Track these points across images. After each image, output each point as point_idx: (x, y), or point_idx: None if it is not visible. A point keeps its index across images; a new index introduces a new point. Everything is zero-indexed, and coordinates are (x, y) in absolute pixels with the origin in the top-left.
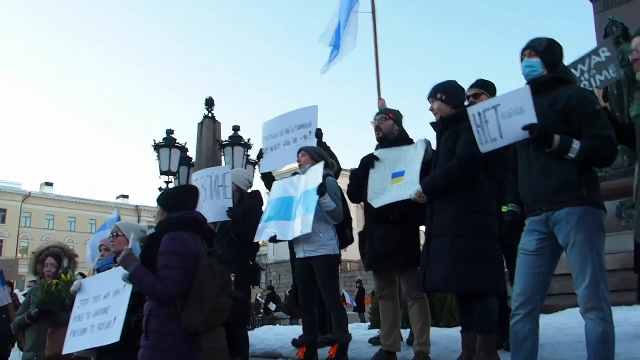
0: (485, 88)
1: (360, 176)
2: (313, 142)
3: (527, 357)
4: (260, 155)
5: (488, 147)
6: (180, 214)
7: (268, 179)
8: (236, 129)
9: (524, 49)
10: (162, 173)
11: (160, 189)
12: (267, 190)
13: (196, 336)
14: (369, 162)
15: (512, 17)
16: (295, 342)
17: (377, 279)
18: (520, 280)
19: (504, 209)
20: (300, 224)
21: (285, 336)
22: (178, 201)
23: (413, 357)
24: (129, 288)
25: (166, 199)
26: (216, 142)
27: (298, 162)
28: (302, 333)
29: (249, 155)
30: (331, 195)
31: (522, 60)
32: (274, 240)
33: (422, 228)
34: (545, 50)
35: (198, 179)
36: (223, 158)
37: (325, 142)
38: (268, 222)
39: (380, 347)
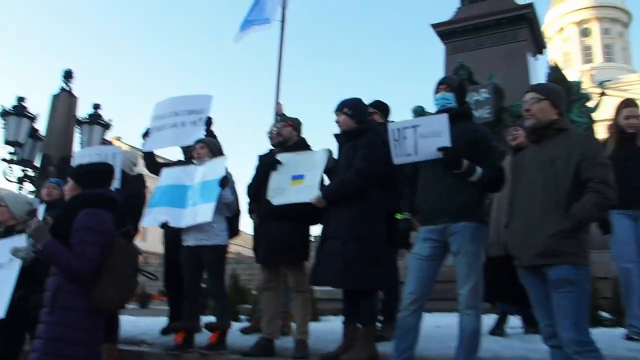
0: (379, 109)
1: (257, 180)
2: (201, 129)
3: (409, 346)
4: (146, 134)
5: (401, 160)
6: (97, 190)
7: (150, 159)
8: (96, 106)
9: (440, 83)
10: (7, 143)
11: (4, 159)
12: (147, 170)
13: (103, 314)
14: (271, 164)
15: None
16: (174, 327)
17: (264, 272)
18: (412, 281)
19: (398, 216)
20: (199, 212)
21: (144, 324)
22: (94, 177)
23: (293, 345)
24: (16, 262)
25: (82, 174)
26: (72, 118)
27: (196, 152)
28: (152, 322)
29: (105, 140)
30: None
31: (437, 92)
32: (164, 226)
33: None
34: (457, 87)
35: (85, 156)
36: (80, 136)
37: (212, 131)
38: (157, 207)
39: (261, 335)
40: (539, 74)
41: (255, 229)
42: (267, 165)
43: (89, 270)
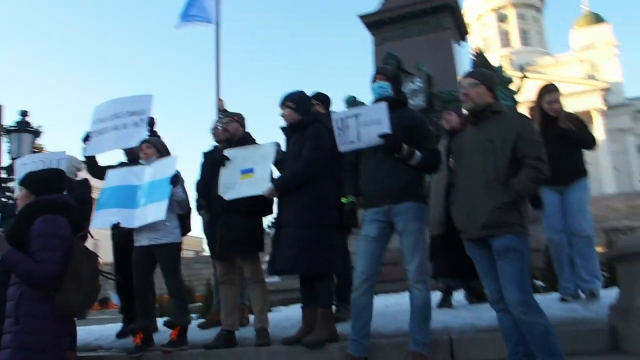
0: (320, 100)
1: (207, 176)
2: (143, 130)
3: (364, 323)
4: (86, 138)
5: (346, 148)
6: (51, 197)
7: (91, 163)
8: (24, 113)
9: (377, 73)
10: None
11: None
12: (90, 175)
13: (67, 318)
14: (220, 161)
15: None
16: (131, 329)
17: (220, 266)
18: (362, 261)
19: (344, 200)
20: (151, 211)
21: (95, 330)
22: (47, 184)
23: (253, 334)
24: None
25: (34, 181)
26: (0, 127)
27: (143, 152)
28: (104, 328)
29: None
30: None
31: (374, 81)
32: (116, 227)
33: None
34: (393, 77)
35: (27, 163)
36: (8, 144)
37: (156, 131)
38: (106, 209)
39: (222, 327)
40: (463, 60)
41: (207, 225)
42: (215, 162)
43: (52, 276)
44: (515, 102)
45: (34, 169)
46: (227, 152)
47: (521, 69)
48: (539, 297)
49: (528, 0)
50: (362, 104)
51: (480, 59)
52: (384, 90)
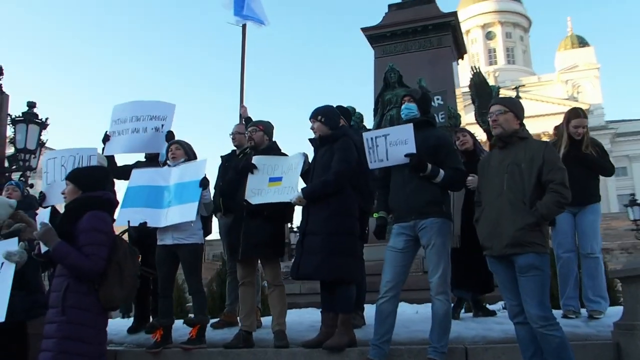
0: (342, 114)
1: (238, 179)
2: (162, 137)
3: (387, 329)
4: (106, 138)
5: (375, 165)
6: (98, 193)
7: (109, 163)
8: (31, 105)
9: (405, 95)
10: None
11: None
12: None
13: (106, 313)
14: (248, 167)
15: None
16: (152, 324)
17: (241, 267)
18: (389, 270)
19: (375, 215)
20: (181, 212)
21: None
22: (94, 181)
23: (272, 335)
24: (11, 266)
25: (81, 177)
26: (4, 116)
27: (172, 153)
28: (112, 322)
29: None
30: None
31: (402, 103)
32: (142, 225)
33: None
34: (420, 99)
35: (57, 157)
36: (15, 135)
37: None
38: (132, 208)
39: (240, 327)
40: (460, 77)
41: (228, 227)
42: (244, 167)
43: (99, 270)
44: None
45: (64, 163)
46: (255, 159)
47: (515, 88)
48: None
49: (515, 19)
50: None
51: (477, 77)
52: (411, 111)
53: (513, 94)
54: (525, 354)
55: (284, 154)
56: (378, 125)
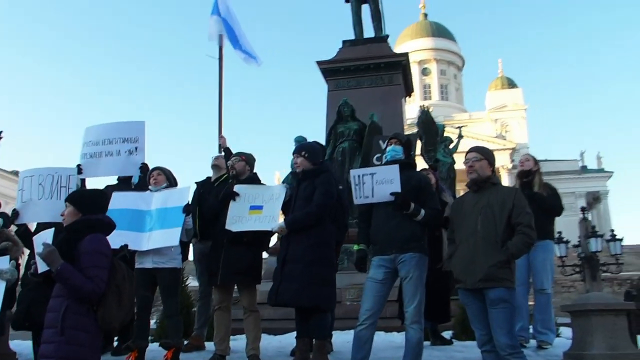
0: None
1: (219, 206)
2: (139, 158)
3: (365, 355)
4: (79, 171)
5: (361, 201)
6: (98, 216)
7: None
8: None
9: (391, 138)
10: None
11: None
12: None
13: (102, 334)
14: (230, 195)
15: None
16: (127, 346)
17: (218, 293)
18: (368, 300)
19: (355, 247)
20: (164, 237)
21: None
22: (94, 204)
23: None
24: (1, 283)
25: (82, 200)
26: None
27: (153, 179)
28: None
29: None
30: None
31: (388, 144)
32: (124, 248)
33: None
34: (405, 142)
35: (34, 175)
36: None
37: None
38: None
39: (214, 351)
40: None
41: (207, 253)
42: (226, 195)
43: (100, 292)
44: (454, 160)
45: (42, 182)
46: (237, 188)
47: (459, 128)
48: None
49: (450, 58)
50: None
51: (424, 116)
52: (397, 153)
53: (456, 132)
54: None
55: (264, 185)
56: (330, 157)
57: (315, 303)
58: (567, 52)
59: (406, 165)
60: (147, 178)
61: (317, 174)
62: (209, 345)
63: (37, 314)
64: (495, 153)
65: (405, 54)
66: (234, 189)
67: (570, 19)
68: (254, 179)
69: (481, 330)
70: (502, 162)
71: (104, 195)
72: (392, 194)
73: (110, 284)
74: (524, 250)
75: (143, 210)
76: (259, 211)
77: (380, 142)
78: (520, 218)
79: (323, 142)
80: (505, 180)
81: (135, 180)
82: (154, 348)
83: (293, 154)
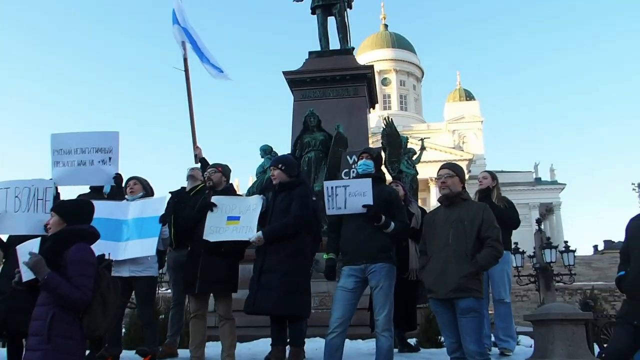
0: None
1: (196, 217)
2: (113, 168)
3: None
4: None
5: (333, 212)
6: (83, 226)
7: None
8: None
9: (362, 152)
10: None
11: None
12: None
13: (86, 341)
14: (207, 206)
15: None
16: (101, 355)
17: (194, 301)
18: (339, 308)
19: (325, 256)
20: (141, 246)
21: None
22: (79, 214)
23: None
24: None
25: (67, 210)
26: None
27: (129, 188)
28: None
29: None
30: None
31: (359, 158)
32: (100, 258)
33: None
34: (376, 157)
35: (9, 187)
36: None
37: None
38: None
39: (190, 358)
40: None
41: (186, 262)
42: (203, 206)
43: (87, 301)
44: (416, 172)
45: (18, 194)
46: (214, 199)
47: (422, 140)
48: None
49: (409, 69)
50: (276, 153)
51: (389, 128)
52: (368, 167)
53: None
54: None
55: (241, 196)
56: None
57: (293, 311)
58: (522, 66)
59: (377, 179)
60: (121, 188)
61: (294, 186)
62: (182, 353)
63: (14, 322)
64: None
65: (371, 67)
66: (212, 200)
67: (527, 34)
68: (230, 190)
69: (451, 338)
70: None
71: (89, 205)
72: (364, 206)
73: (95, 292)
74: (492, 263)
75: (120, 219)
76: (236, 222)
77: (348, 157)
78: (489, 232)
79: (288, 151)
80: None
81: (106, 190)
82: (126, 355)
83: (269, 166)
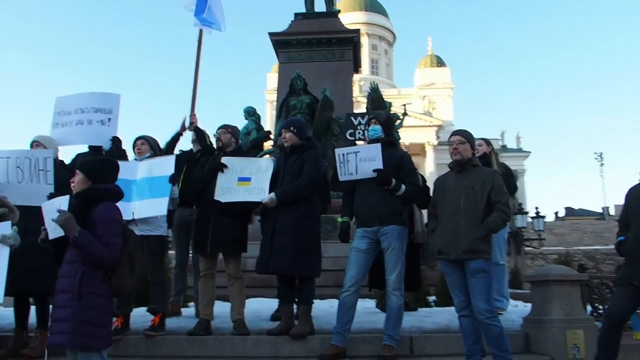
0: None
1: (206, 179)
2: (112, 130)
3: (349, 319)
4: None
5: (345, 178)
6: (109, 185)
7: None
8: None
9: (371, 118)
10: None
11: None
12: None
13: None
14: (218, 167)
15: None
16: (150, 310)
17: (205, 261)
18: (353, 268)
19: (339, 219)
20: (152, 206)
21: None
22: (104, 173)
23: (225, 325)
24: (5, 249)
25: (92, 169)
26: None
27: (137, 148)
28: None
29: None
30: None
31: (369, 125)
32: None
33: None
34: (385, 122)
35: (10, 157)
36: None
37: (125, 150)
38: None
39: (200, 316)
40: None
41: (196, 223)
42: (214, 168)
43: (117, 259)
44: (399, 136)
45: (19, 164)
46: (225, 160)
47: (404, 106)
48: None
49: (382, 33)
50: (259, 115)
51: (374, 93)
52: (376, 133)
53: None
54: (467, 340)
55: (251, 157)
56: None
57: (305, 272)
58: (493, 34)
59: (388, 143)
60: (120, 151)
61: (306, 149)
62: (185, 312)
63: (24, 280)
64: (421, 130)
65: (357, 31)
66: (222, 161)
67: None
68: (240, 151)
69: (460, 297)
70: (428, 138)
71: (114, 164)
72: (374, 170)
73: (122, 251)
74: (502, 226)
75: (128, 179)
76: (247, 182)
77: (352, 118)
78: (498, 197)
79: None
80: (430, 156)
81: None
82: (137, 313)
83: (281, 128)
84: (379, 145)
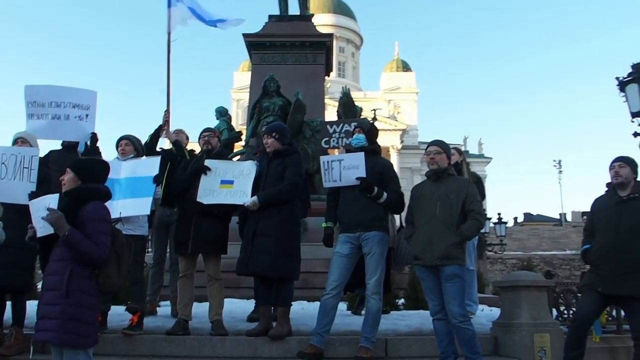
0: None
1: (189, 180)
2: (90, 126)
3: (329, 321)
4: None
5: (330, 184)
6: (98, 186)
7: None
8: None
9: (355, 127)
10: None
11: None
12: None
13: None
14: (202, 169)
15: None
16: (129, 309)
17: (184, 261)
18: (335, 272)
19: (324, 224)
20: (134, 205)
21: None
22: (94, 173)
23: (202, 325)
24: None
25: (84, 169)
26: None
27: (121, 148)
28: None
29: None
30: None
31: (353, 133)
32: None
33: None
34: (368, 130)
35: None
36: None
37: (98, 147)
38: None
39: (179, 316)
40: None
41: (177, 223)
42: (198, 170)
43: (106, 258)
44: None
45: (4, 161)
46: (208, 162)
47: (374, 111)
48: (419, 313)
49: (349, 35)
50: (230, 116)
51: (346, 97)
52: (360, 141)
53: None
54: (441, 343)
55: (234, 160)
56: (253, 130)
57: (285, 274)
58: (459, 40)
59: (371, 152)
60: (95, 148)
61: (288, 154)
62: (160, 311)
63: (0, 277)
64: (386, 133)
65: (330, 35)
66: (205, 164)
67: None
68: (222, 154)
69: (435, 301)
70: (392, 142)
71: (105, 165)
72: (357, 178)
73: (110, 250)
74: (475, 234)
75: (111, 178)
76: (229, 185)
77: (328, 126)
78: (472, 206)
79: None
80: (394, 160)
81: (81, 148)
82: (115, 312)
83: (264, 134)
84: (362, 154)
